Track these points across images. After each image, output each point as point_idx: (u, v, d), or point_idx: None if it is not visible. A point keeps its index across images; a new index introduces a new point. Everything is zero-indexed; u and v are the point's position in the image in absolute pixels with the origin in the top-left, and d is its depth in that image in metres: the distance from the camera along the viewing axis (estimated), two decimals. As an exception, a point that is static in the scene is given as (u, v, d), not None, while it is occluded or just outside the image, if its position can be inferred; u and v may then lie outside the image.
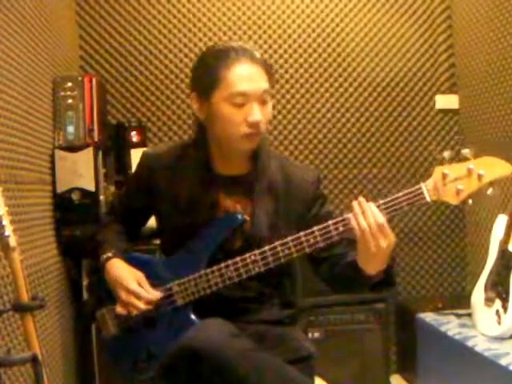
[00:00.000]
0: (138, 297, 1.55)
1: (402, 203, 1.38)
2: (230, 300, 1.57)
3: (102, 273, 1.64)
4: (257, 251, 1.48)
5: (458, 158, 1.37)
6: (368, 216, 1.36)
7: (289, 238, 1.46)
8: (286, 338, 1.60)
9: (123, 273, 1.60)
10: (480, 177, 1.35)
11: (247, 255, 1.49)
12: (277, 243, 1.47)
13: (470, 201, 1.39)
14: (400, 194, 1.39)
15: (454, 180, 1.36)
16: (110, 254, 1.64)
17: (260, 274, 1.50)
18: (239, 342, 1.38)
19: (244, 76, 1.49)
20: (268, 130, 1.66)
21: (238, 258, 1.50)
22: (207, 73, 1.52)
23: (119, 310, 1.59)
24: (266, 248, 1.47)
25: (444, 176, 1.37)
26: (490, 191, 1.37)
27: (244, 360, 1.34)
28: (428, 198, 1.38)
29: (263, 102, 1.52)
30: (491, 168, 1.35)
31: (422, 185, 1.38)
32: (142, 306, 1.55)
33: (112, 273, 1.61)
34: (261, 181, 1.59)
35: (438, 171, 1.38)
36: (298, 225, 1.53)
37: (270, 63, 1.60)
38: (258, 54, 1.53)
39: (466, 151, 1.37)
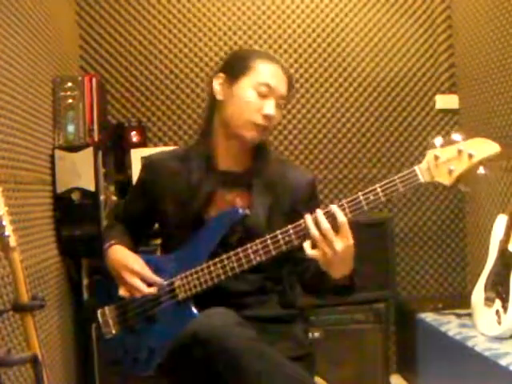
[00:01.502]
0: (143, 279, 1.57)
1: (397, 185, 1.43)
2: (231, 294, 1.57)
3: (104, 260, 1.65)
4: (258, 240, 1.50)
5: (448, 142, 1.43)
6: (320, 221, 1.42)
7: (289, 226, 1.48)
8: (286, 336, 1.60)
9: (127, 256, 1.62)
10: (470, 156, 1.40)
11: (248, 245, 1.50)
12: (277, 231, 1.48)
13: (463, 188, 1.44)
14: (395, 176, 1.44)
15: (445, 161, 1.41)
16: (112, 242, 1.67)
17: (261, 267, 1.52)
18: (243, 331, 1.38)
19: (272, 72, 1.61)
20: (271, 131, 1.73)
21: (239, 249, 1.51)
22: (241, 60, 1.64)
23: (122, 292, 1.61)
24: (267, 237, 1.49)
25: (436, 158, 1.42)
26: (480, 170, 1.42)
27: (247, 349, 1.34)
28: (421, 179, 1.42)
29: (279, 105, 1.62)
30: (480, 147, 1.41)
31: (416, 167, 1.43)
32: (145, 288, 1.56)
33: (115, 256, 1.63)
34: (259, 177, 1.64)
35: (430, 154, 1.43)
36: (290, 223, 1.53)
37: (293, 81, 1.71)
38: (291, 71, 1.69)
39: (455, 135, 1.43)
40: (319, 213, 1.43)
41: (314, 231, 1.42)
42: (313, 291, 1.69)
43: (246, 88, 1.59)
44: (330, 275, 1.47)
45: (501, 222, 2.34)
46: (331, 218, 1.42)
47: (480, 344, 2.22)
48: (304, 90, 3.20)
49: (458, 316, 2.61)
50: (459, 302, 2.81)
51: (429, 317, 2.70)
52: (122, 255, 1.63)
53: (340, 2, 3.20)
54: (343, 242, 1.40)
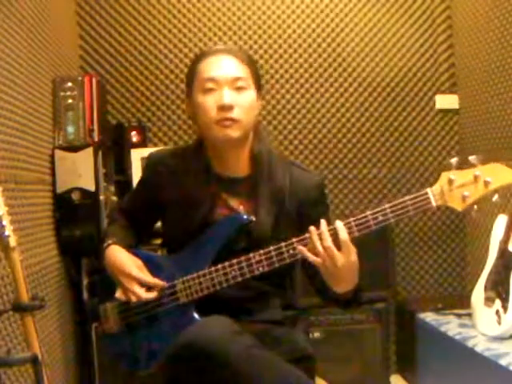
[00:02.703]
0: (141, 284, 1.55)
1: (408, 207, 1.39)
2: (232, 299, 1.56)
3: (102, 260, 1.64)
4: (261, 251, 1.48)
5: (464, 164, 1.37)
6: (324, 238, 1.40)
7: (294, 239, 1.46)
8: (286, 338, 1.59)
9: (124, 259, 1.60)
10: (486, 184, 1.35)
11: (252, 255, 1.49)
12: (282, 244, 1.47)
13: (476, 207, 1.39)
14: (406, 197, 1.40)
15: (460, 186, 1.37)
16: (109, 242, 1.65)
17: (263, 274, 1.50)
18: (242, 340, 1.37)
19: (213, 64, 1.56)
20: (265, 130, 1.67)
21: (242, 258, 1.50)
22: (188, 74, 1.62)
23: (119, 295, 1.60)
24: (271, 248, 1.47)
25: (450, 181, 1.37)
26: (495, 198, 1.37)
27: (246, 357, 1.34)
28: (434, 203, 1.38)
29: (238, 89, 1.54)
30: (498, 175, 1.35)
31: (428, 190, 1.39)
32: (142, 294, 1.55)
33: (112, 259, 1.61)
34: (264, 182, 1.60)
35: (444, 176, 1.38)
36: (299, 227, 1.53)
37: (252, 57, 1.65)
38: (237, 48, 1.61)
39: (472, 158, 1.37)
40: (324, 229, 1.41)
41: (318, 247, 1.40)
42: (322, 295, 1.69)
43: (196, 95, 1.56)
44: (333, 289, 1.46)
45: (501, 222, 2.34)
46: (335, 234, 1.41)
47: (480, 344, 2.22)
48: (304, 90, 3.19)
49: (458, 316, 2.61)
50: (459, 302, 2.82)
51: (429, 317, 2.70)
52: (119, 258, 1.60)
53: (340, 2, 3.20)
54: (344, 259, 1.39)
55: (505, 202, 2.67)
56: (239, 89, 1.54)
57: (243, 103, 1.54)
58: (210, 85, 1.53)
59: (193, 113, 1.61)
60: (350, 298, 1.50)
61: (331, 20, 3.20)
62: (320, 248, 1.40)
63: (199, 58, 1.60)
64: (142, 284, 1.55)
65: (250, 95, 1.57)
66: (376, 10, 3.22)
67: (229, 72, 1.54)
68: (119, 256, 1.61)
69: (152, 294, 1.55)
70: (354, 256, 1.41)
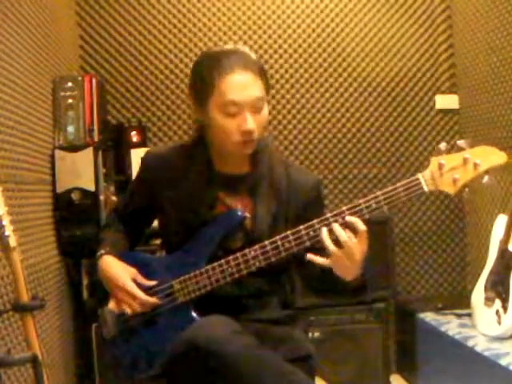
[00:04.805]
0: (135, 298, 1.55)
1: (400, 194, 1.41)
2: (231, 298, 1.57)
3: (97, 269, 1.63)
4: (257, 246, 1.49)
5: (454, 149, 1.39)
6: (339, 234, 1.40)
7: (289, 232, 1.47)
8: (286, 337, 1.59)
9: (117, 271, 1.59)
10: (476, 166, 1.37)
11: (247, 250, 1.49)
12: (277, 237, 1.47)
13: (467, 189, 1.40)
14: (398, 184, 1.42)
15: (450, 170, 1.38)
16: (102, 251, 1.64)
17: (260, 271, 1.51)
18: (241, 339, 1.38)
19: (235, 85, 1.48)
20: (268, 130, 1.64)
21: (238, 254, 1.50)
22: (201, 81, 1.53)
23: (112, 306, 1.59)
24: (267, 242, 1.48)
25: (440, 166, 1.39)
26: (485, 179, 1.38)
27: (246, 356, 1.34)
28: (425, 188, 1.40)
29: (257, 110, 1.51)
30: (487, 157, 1.37)
31: (419, 175, 1.41)
32: (138, 308, 1.55)
33: (105, 271, 1.60)
34: (263, 181, 1.60)
35: (434, 161, 1.40)
36: (295, 227, 1.52)
37: (263, 66, 1.58)
38: (251, 59, 1.52)
39: (461, 142, 1.39)
40: (335, 226, 1.41)
41: (331, 246, 1.40)
42: (323, 293, 1.68)
43: (215, 113, 1.50)
44: (343, 279, 1.46)
45: (501, 222, 2.34)
46: (345, 226, 1.41)
47: (480, 344, 2.22)
48: (304, 90, 3.19)
49: (458, 316, 2.61)
50: (459, 302, 2.81)
51: (429, 317, 2.70)
52: (112, 269, 1.59)
53: (340, 2, 3.20)
54: (361, 250, 1.40)
55: (503, 199, 2.67)
56: (258, 109, 1.51)
57: (261, 123, 1.53)
58: (233, 108, 1.47)
59: (203, 120, 1.57)
60: (360, 284, 1.50)
61: (331, 20, 3.20)
62: (334, 247, 1.40)
63: (215, 68, 1.49)
64: (135, 298, 1.55)
65: (265, 112, 1.54)
66: (376, 10, 3.22)
67: (251, 95, 1.48)
68: (112, 267, 1.60)
69: (146, 308, 1.55)
70: (366, 244, 1.41)
